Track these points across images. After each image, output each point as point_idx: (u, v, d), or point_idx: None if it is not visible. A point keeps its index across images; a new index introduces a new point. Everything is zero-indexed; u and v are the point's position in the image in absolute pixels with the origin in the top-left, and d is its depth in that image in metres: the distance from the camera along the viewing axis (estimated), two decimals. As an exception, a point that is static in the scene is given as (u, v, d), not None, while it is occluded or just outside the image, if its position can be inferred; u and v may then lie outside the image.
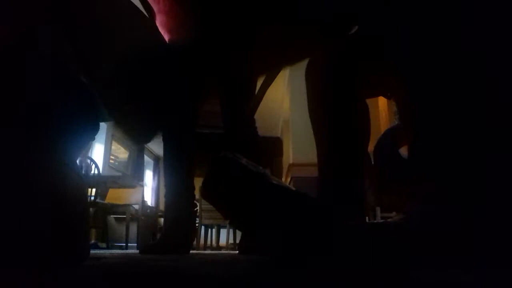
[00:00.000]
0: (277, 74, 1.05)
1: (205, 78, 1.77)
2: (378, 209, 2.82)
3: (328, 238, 0.62)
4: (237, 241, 4.13)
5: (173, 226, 1.65)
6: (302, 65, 0.97)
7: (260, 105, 1.87)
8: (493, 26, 0.62)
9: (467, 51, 0.63)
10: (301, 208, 0.65)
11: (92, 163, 3.95)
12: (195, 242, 4.18)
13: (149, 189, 7.48)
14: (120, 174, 5.67)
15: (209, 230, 5.29)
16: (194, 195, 1.82)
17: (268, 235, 0.67)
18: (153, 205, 6.90)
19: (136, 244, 4.71)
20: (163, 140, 1.76)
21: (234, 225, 0.85)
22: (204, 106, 1.88)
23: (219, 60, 1.67)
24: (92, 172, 3.93)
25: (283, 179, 4.44)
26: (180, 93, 1.67)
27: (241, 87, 1.68)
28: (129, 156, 6.54)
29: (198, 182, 1.84)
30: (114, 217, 4.78)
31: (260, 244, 0.93)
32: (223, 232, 5.21)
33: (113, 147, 5.92)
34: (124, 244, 4.45)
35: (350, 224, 0.64)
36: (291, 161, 4.04)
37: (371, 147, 0.96)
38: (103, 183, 4.31)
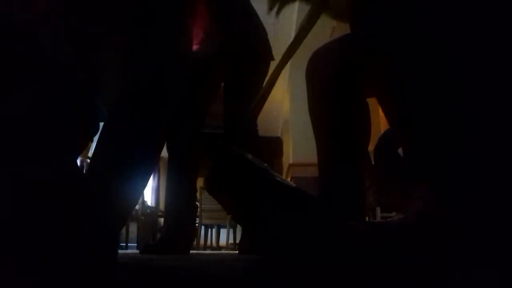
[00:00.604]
0: (279, 74, 1.05)
1: (213, 80, 1.79)
2: (378, 209, 2.83)
3: (328, 236, 0.62)
4: (237, 241, 4.12)
5: (173, 226, 1.66)
6: (303, 65, 0.97)
7: (260, 105, 1.88)
8: (483, 29, 0.62)
9: (458, 52, 0.63)
10: (303, 205, 0.66)
11: (92, 163, 3.93)
12: (195, 242, 4.18)
13: (149, 189, 7.48)
14: (120, 174, 5.64)
15: (209, 230, 5.29)
16: (196, 196, 1.82)
17: (269, 231, 0.67)
18: (153, 205, 6.90)
19: (136, 244, 4.71)
20: (167, 141, 1.76)
21: (237, 220, 0.85)
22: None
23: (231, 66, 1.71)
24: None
25: (283, 179, 4.43)
26: (188, 96, 1.69)
27: (245, 86, 1.69)
28: (129, 156, 6.52)
29: (197, 183, 1.85)
30: (114, 217, 4.76)
31: (260, 243, 0.93)
32: (223, 232, 5.21)
33: (113, 147, 5.90)
34: (124, 244, 4.45)
35: (350, 223, 0.64)
36: (291, 161, 4.05)
37: (371, 147, 0.96)
38: (103, 183, 4.29)
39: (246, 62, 1.70)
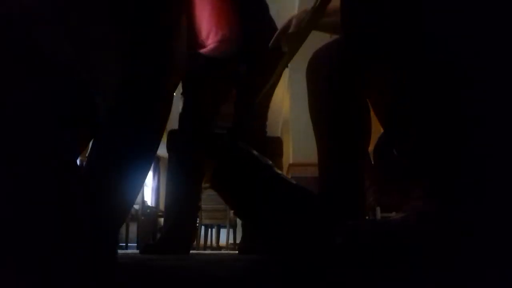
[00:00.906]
0: (280, 75, 1.05)
1: (224, 80, 1.79)
2: (378, 209, 2.82)
3: (329, 236, 0.62)
4: (237, 241, 4.12)
5: (173, 226, 1.66)
6: (303, 65, 0.97)
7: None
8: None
9: (458, 52, 0.63)
10: (305, 203, 0.66)
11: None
12: (195, 242, 4.18)
13: (149, 189, 7.48)
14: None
15: (209, 230, 5.29)
16: (199, 197, 1.83)
17: (270, 228, 0.67)
18: (153, 205, 6.90)
19: (136, 244, 4.71)
20: (168, 141, 1.76)
21: (240, 216, 0.86)
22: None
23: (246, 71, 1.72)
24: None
25: (283, 179, 4.43)
26: (188, 96, 1.69)
27: (258, 87, 1.71)
28: (129, 156, 6.53)
29: (198, 182, 1.84)
30: (114, 217, 4.77)
31: (260, 243, 0.93)
32: (223, 232, 5.21)
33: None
34: (124, 244, 4.45)
35: (351, 223, 0.64)
36: (291, 161, 4.04)
37: (371, 147, 0.96)
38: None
39: (263, 63, 1.70)
